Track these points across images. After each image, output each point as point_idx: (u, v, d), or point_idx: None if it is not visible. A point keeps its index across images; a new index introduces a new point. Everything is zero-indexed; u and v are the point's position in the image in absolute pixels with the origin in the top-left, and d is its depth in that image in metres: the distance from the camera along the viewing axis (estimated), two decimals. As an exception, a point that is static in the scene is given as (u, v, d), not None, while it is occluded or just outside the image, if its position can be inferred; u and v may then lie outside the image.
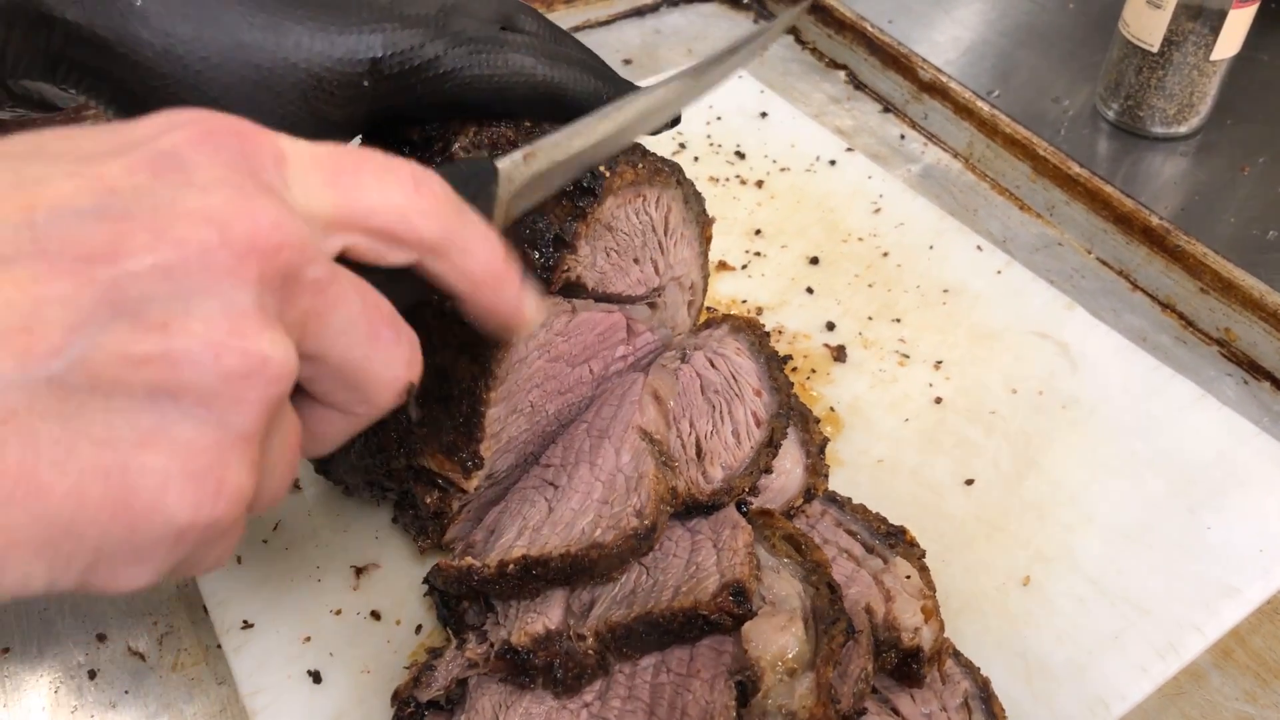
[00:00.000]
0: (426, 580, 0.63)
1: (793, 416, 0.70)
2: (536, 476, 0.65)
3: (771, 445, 0.66)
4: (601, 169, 0.60)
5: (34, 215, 0.32)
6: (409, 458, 0.63)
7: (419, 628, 0.67)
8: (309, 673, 0.64)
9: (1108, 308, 0.93)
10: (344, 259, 0.40)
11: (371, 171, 0.40)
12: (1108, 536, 0.73)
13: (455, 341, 0.59)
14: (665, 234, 0.67)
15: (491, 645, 0.58)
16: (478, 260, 0.44)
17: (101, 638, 0.67)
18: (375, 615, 0.67)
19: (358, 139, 0.61)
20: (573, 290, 0.63)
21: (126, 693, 0.65)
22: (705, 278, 0.74)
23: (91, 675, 0.66)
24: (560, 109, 0.60)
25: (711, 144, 1.06)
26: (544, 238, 0.59)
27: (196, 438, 0.33)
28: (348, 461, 0.66)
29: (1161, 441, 0.79)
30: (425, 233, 0.41)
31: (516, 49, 0.57)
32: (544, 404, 0.65)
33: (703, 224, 0.71)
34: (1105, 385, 0.83)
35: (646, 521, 0.57)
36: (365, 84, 0.54)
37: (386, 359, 0.41)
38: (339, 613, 0.67)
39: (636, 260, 0.66)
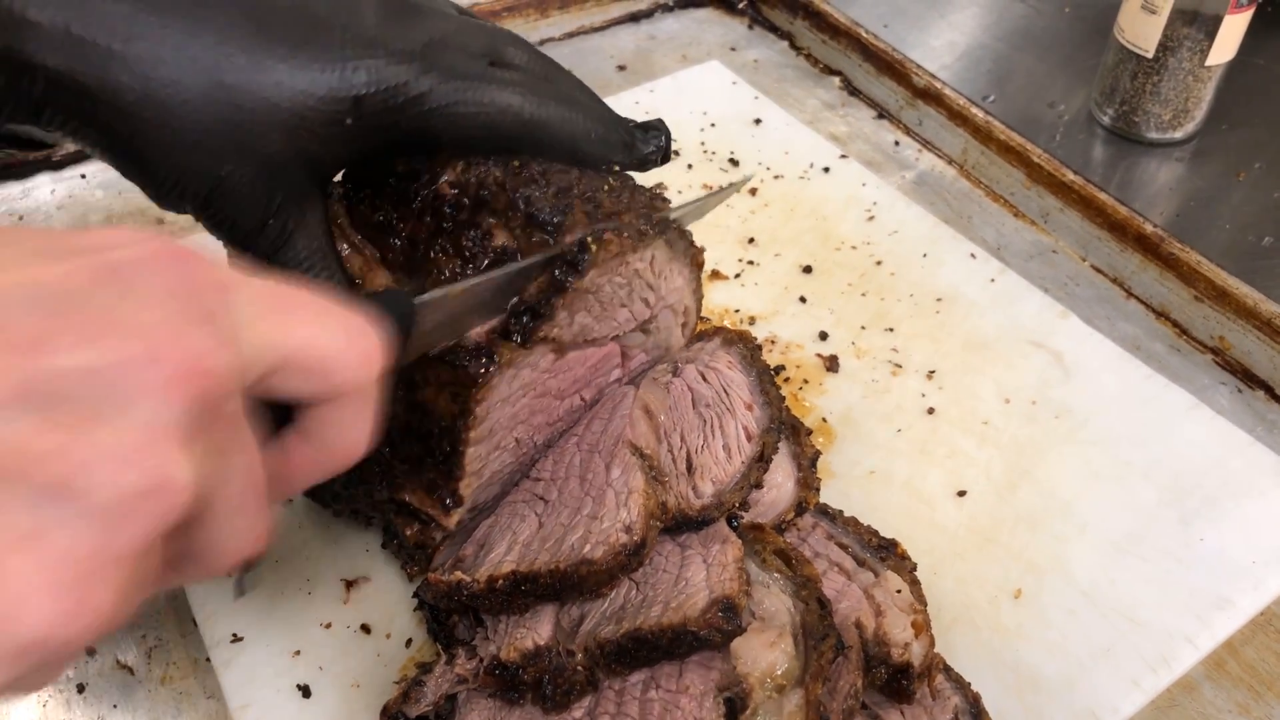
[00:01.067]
0: (417, 594, 0.63)
1: (784, 429, 0.70)
2: (527, 490, 0.65)
3: (762, 460, 0.65)
4: (588, 240, 0.58)
5: None
6: (390, 490, 0.62)
7: (409, 641, 0.67)
8: (298, 686, 0.64)
9: (1102, 316, 0.93)
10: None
11: (310, 312, 0.40)
12: (1100, 547, 0.73)
13: (436, 380, 0.58)
14: (654, 274, 0.66)
15: (481, 660, 0.58)
16: (358, 422, 0.43)
17: (90, 651, 0.67)
18: (365, 629, 0.67)
19: (341, 174, 0.61)
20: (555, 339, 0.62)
21: (115, 706, 0.65)
22: (698, 299, 0.74)
23: (80, 689, 0.65)
24: (547, 147, 0.60)
25: (705, 151, 1.06)
26: (524, 304, 0.58)
27: (73, 547, 0.31)
28: (332, 489, 0.66)
29: (1155, 451, 0.79)
30: (339, 381, 0.41)
31: (504, 86, 0.57)
32: (530, 437, 0.64)
33: (692, 254, 0.69)
34: (1099, 394, 0.83)
35: (636, 537, 0.57)
36: (349, 121, 0.53)
37: (238, 530, 0.39)
38: (329, 626, 0.67)
39: (624, 305, 0.65)
